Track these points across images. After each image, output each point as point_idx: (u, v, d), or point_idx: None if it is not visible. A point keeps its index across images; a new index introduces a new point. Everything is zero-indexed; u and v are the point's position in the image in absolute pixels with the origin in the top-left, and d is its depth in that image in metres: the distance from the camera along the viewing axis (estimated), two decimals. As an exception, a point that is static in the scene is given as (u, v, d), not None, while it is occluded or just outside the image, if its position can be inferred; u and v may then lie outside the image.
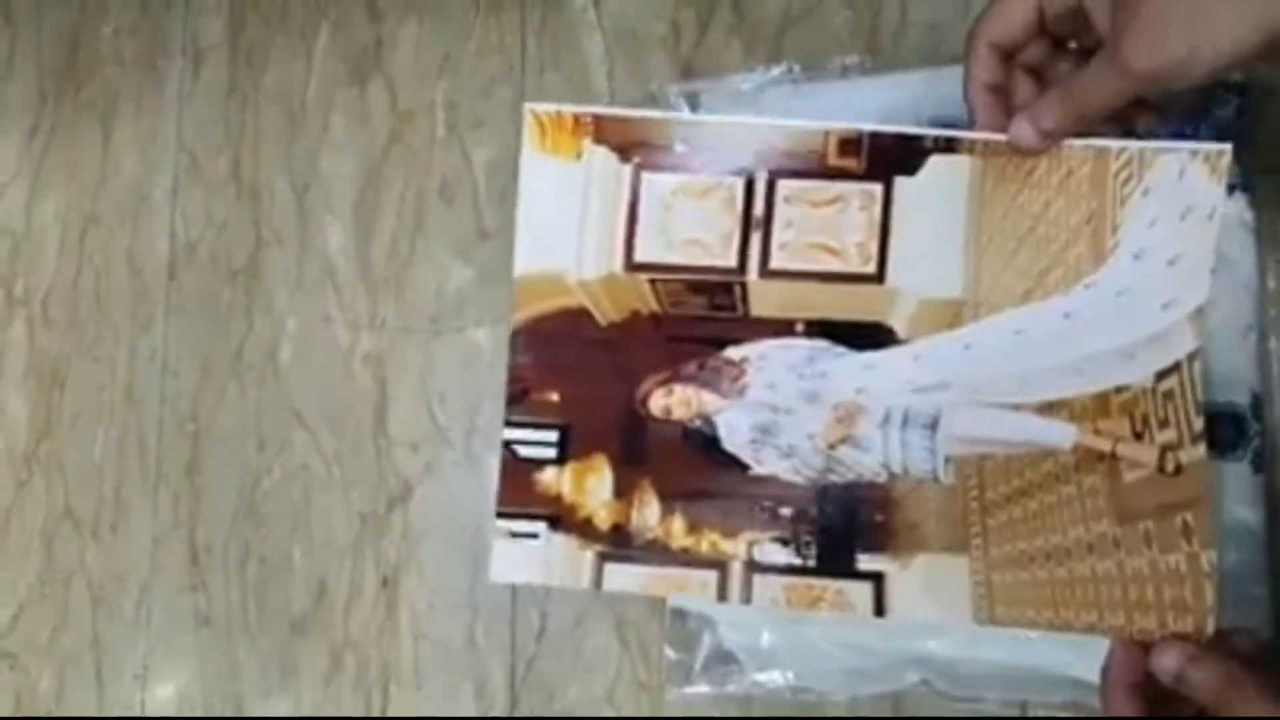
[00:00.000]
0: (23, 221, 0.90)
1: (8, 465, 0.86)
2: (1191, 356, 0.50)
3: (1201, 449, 0.49)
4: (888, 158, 0.51)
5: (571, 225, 0.52)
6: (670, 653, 0.66)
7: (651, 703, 0.69)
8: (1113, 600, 0.50)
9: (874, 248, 0.52)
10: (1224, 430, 0.58)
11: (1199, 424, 0.49)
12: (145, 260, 0.86)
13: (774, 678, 0.63)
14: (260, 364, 0.82)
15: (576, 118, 0.52)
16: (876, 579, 0.53)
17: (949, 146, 0.51)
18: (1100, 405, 0.51)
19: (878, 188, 0.52)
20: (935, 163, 0.51)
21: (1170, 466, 0.50)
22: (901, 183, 0.51)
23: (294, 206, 0.83)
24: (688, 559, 0.54)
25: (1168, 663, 0.48)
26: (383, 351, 0.79)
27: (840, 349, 0.53)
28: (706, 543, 0.54)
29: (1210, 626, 0.49)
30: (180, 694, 0.81)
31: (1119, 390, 0.51)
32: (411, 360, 0.78)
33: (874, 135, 0.51)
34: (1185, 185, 0.49)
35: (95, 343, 0.87)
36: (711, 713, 0.67)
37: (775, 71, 0.68)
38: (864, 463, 0.53)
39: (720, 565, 0.54)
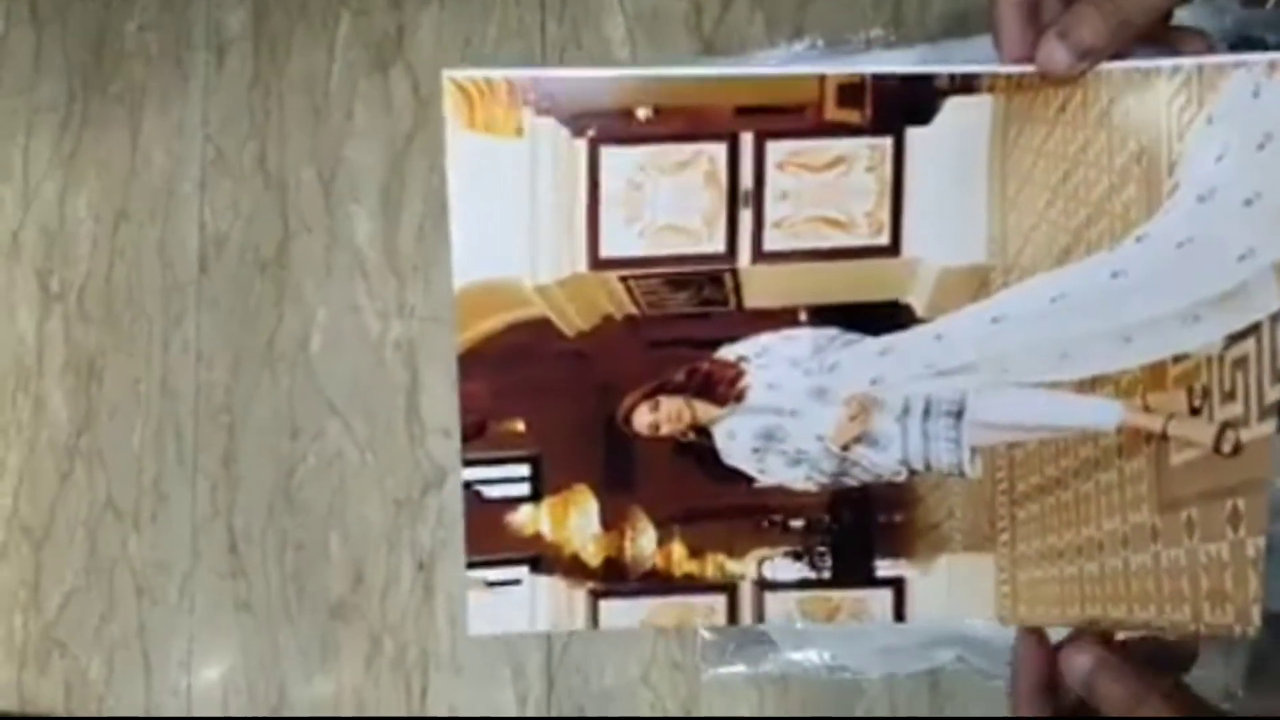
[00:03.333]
0: (56, 217, 0.72)
1: (50, 458, 0.71)
2: (1276, 317, 0.31)
3: (1270, 425, 0.31)
4: (896, 105, 0.31)
5: (520, 220, 0.32)
6: (705, 633, 0.51)
7: (687, 683, 0.55)
8: (1144, 593, 0.33)
9: (886, 214, 0.32)
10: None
11: (1273, 395, 0.32)
12: (176, 253, 0.69)
13: (809, 657, 0.48)
14: (292, 354, 0.66)
15: (510, 84, 0.31)
16: (896, 585, 0.36)
17: (966, 86, 0.31)
18: (1154, 377, 0.33)
19: (886, 142, 0.32)
20: (952, 106, 0.31)
21: (1228, 446, 0.32)
22: (914, 134, 0.32)
23: (320, 196, 0.66)
24: (693, 585, 0.36)
25: (1079, 664, 0.33)
26: (413, 338, 0.63)
27: (851, 335, 0.34)
28: (712, 566, 0.36)
29: (1256, 618, 0.32)
30: (224, 678, 0.66)
31: (1177, 359, 0.33)
32: (441, 346, 0.62)
33: (878, 79, 0.31)
34: (1262, 106, 0.30)
35: (130, 336, 0.70)
36: (747, 692, 0.53)
37: (798, 47, 0.51)
38: (881, 462, 0.35)
39: (729, 588, 0.36)
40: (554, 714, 0.58)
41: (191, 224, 0.69)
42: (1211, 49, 0.31)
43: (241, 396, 0.67)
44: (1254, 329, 0.31)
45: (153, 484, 0.69)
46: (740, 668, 0.51)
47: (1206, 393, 0.32)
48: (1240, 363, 0.32)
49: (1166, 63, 0.30)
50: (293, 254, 0.67)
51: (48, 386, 0.72)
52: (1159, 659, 0.34)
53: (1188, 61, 0.30)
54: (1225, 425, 0.32)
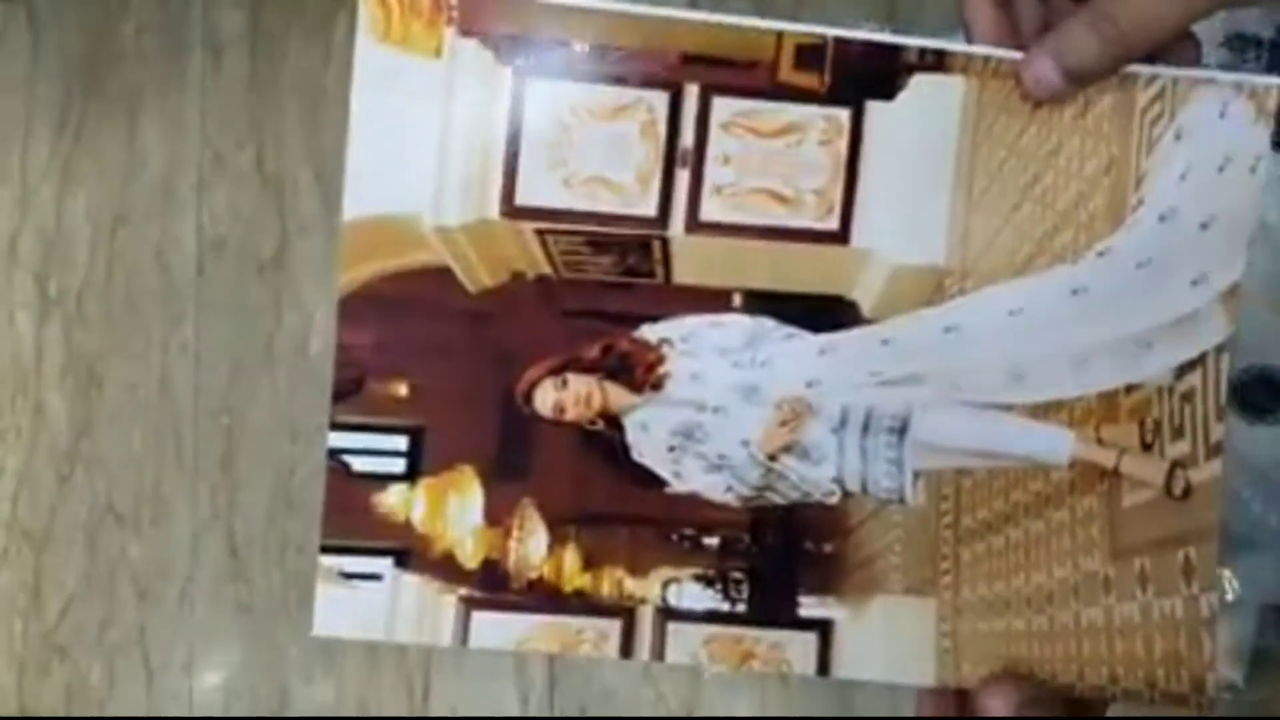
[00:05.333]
0: (54, 220, 0.72)
1: (49, 462, 0.70)
2: (1220, 348, 0.30)
3: (1216, 466, 0.30)
4: (858, 74, 0.30)
5: (427, 151, 0.29)
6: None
7: (689, 682, 0.56)
8: (1096, 656, 0.30)
9: (837, 195, 0.30)
10: (1255, 394, 0.38)
11: (1218, 433, 0.30)
12: (174, 256, 0.70)
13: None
14: (291, 356, 0.67)
15: (436, -4, 0.28)
16: (822, 628, 0.32)
17: (938, 63, 0.30)
18: (1107, 407, 0.31)
19: (844, 114, 0.30)
20: (920, 84, 0.30)
21: (1179, 488, 0.30)
22: (875, 109, 0.30)
23: (319, 197, 0.67)
24: (583, 604, 0.31)
25: (998, 706, 0.30)
26: (413, 340, 0.64)
27: (789, 329, 0.31)
28: (608, 582, 0.31)
29: (1211, 684, 0.30)
30: (226, 682, 0.66)
31: (1130, 389, 0.31)
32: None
33: (841, 43, 0.29)
34: (1226, 128, 0.29)
35: (129, 340, 0.70)
36: (749, 691, 0.54)
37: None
38: (812, 478, 0.32)
39: (626, 612, 0.31)
40: (556, 714, 0.58)
41: (189, 226, 0.70)
42: (1199, 58, 0.31)
43: (241, 399, 0.68)
44: (1200, 360, 0.30)
45: (152, 488, 0.69)
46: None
47: (1158, 427, 0.30)
48: (1188, 396, 0.30)
49: (1145, 70, 0.29)
50: (291, 256, 0.67)
51: (47, 391, 0.71)
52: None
53: (1165, 71, 0.29)
54: (1175, 465, 0.30)
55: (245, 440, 0.68)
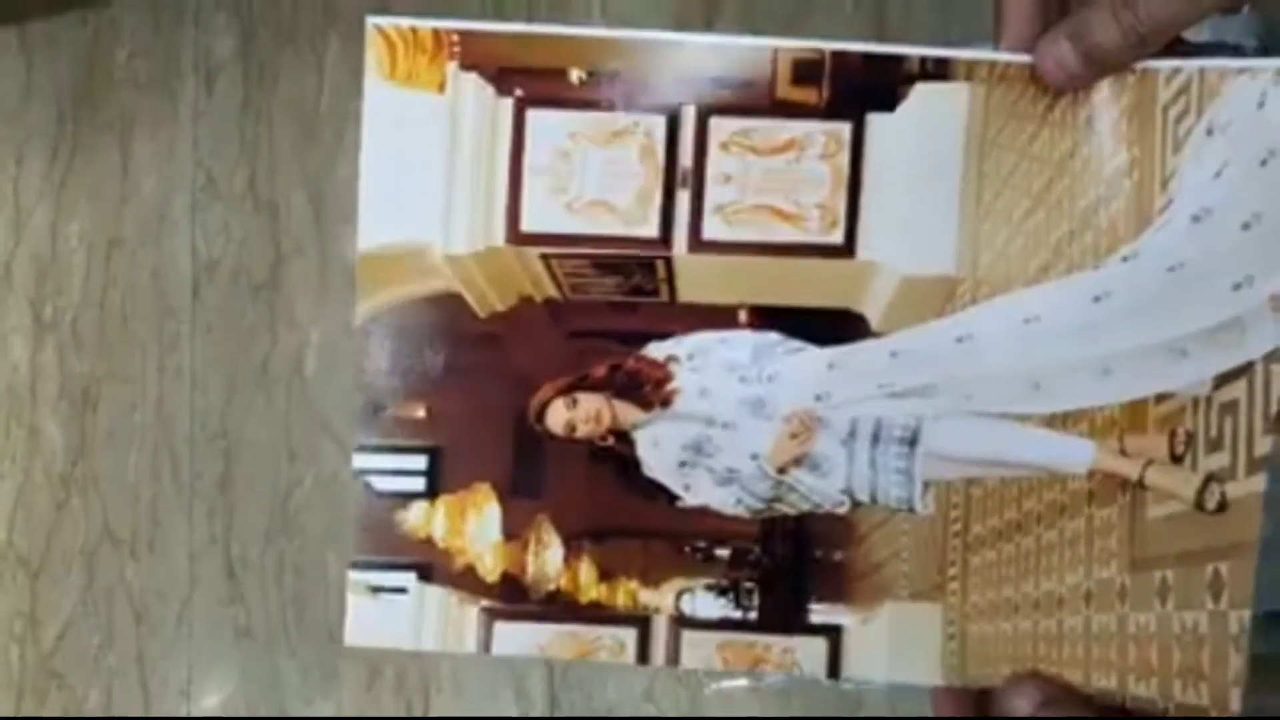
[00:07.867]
0: (49, 245, 0.74)
1: (46, 487, 0.72)
2: (1271, 356, 0.29)
3: (1258, 481, 0.29)
4: (857, 87, 0.29)
5: (435, 182, 0.30)
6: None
7: (690, 698, 0.56)
8: (1106, 660, 0.30)
9: (841, 209, 0.30)
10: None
11: (1263, 447, 0.29)
12: (169, 279, 0.71)
13: (811, 668, 0.49)
14: (286, 376, 0.68)
15: (437, 34, 0.29)
16: (832, 634, 0.33)
17: (940, 72, 0.29)
18: (1134, 417, 0.30)
19: (845, 127, 0.30)
20: (922, 93, 0.29)
21: (1212, 502, 0.29)
22: (876, 121, 0.30)
23: (312, 218, 0.68)
24: (600, 614, 0.33)
25: (1020, 706, 0.30)
26: (407, 359, 0.64)
27: (795, 343, 0.31)
28: (623, 593, 0.33)
29: (1235, 702, 0.29)
30: (225, 706, 0.68)
31: (1161, 399, 0.30)
32: (436, 368, 0.63)
33: (839, 56, 0.29)
34: (1267, 118, 0.28)
35: (124, 363, 0.71)
36: (749, 705, 0.55)
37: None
38: (822, 489, 0.32)
39: (641, 621, 0.33)
40: (557, 731, 0.59)
41: (184, 249, 0.71)
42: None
43: (237, 420, 0.69)
44: (1245, 369, 0.29)
45: (149, 511, 0.70)
46: (742, 681, 0.52)
47: (1190, 439, 0.30)
48: (1229, 407, 0.29)
49: (1165, 64, 0.28)
50: (285, 276, 0.68)
51: (42, 415, 0.72)
52: None
53: (1188, 64, 0.28)
54: (1210, 478, 0.29)
55: (242, 461, 0.68)
